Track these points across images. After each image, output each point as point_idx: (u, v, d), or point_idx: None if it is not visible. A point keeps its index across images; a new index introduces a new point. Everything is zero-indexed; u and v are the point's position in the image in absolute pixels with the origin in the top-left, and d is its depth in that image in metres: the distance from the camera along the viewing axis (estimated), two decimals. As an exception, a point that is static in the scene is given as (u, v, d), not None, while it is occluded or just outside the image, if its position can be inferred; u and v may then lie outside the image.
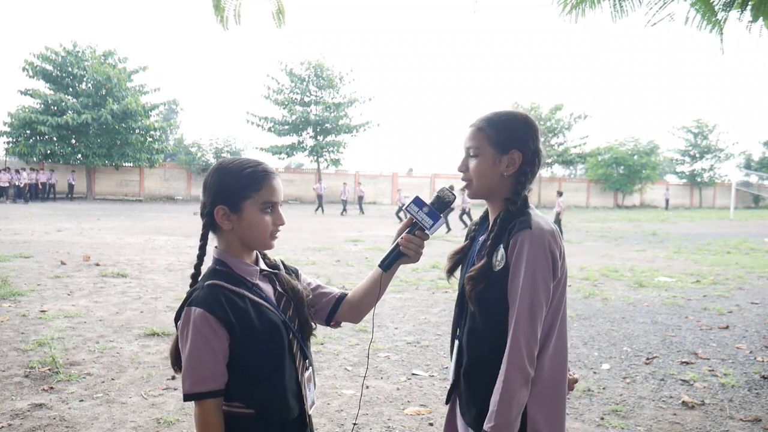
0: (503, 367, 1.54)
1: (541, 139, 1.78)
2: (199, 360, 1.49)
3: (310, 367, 1.71)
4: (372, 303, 1.80)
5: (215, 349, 1.50)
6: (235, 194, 1.58)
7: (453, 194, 1.74)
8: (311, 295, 1.76)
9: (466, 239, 1.90)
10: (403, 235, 1.71)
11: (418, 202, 1.71)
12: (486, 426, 1.55)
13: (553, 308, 1.61)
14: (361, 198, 30.67)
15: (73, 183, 34.32)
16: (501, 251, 1.61)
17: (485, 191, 1.74)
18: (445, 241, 14.98)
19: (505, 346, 1.57)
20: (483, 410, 1.59)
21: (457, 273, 1.89)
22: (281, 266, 1.76)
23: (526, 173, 1.70)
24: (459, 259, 1.84)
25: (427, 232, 1.70)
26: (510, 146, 1.69)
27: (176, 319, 1.58)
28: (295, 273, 1.79)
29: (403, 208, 1.73)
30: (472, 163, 1.73)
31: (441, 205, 1.72)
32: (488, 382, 1.58)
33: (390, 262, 1.73)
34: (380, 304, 7.33)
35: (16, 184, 30.90)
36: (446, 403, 1.85)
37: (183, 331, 1.52)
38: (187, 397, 1.51)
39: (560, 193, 17.59)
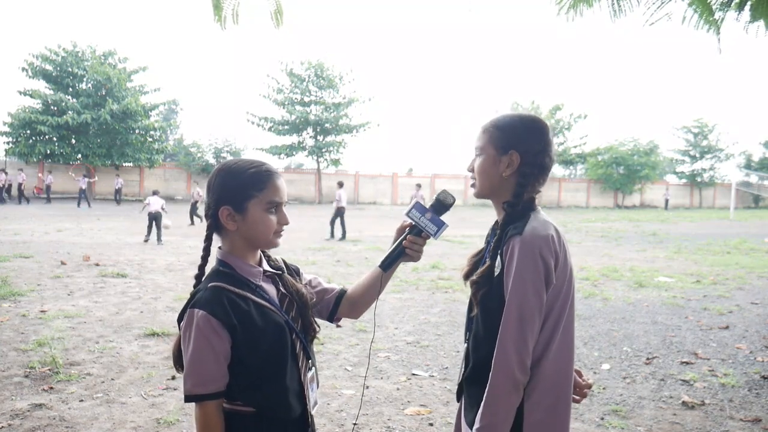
0: (491, 372, 1.55)
1: (555, 141, 1.77)
2: (201, 362, 1.50)
3: (313, 368, 1.72)
4: (371, 301, 1.84)
5: (217, 351, 1.51)
6: (239, 194, 1.58)
7: (453, 197, 1.75)
8: (315, 297, 1.78)
9: (485, 242, 1.90)
10: (408, 237, 1.74)
11: (419, 207, 1.73)
12: (473, 428, 1.58)
13: (554, 315, 1.58)
14: (194, 205, 19.95)
15: (50, 183, 31.04)
16: (498, 257, 1.61)
17: (487, 191, 1.75)
18: (446, 241, 14.98)
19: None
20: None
21: None
22: (284, 267, 1.76)
23: (526, 175, 1.67)
24: (477, 261, 1.82)
25: (433, 238, 1.73)
26: (509, 147, 1.68)
27: (179, 320, 1.58)
28: (296, 272, 1.81)
29: (405, 213, 1.73)
30: (477, 162, 1.75)
31: (441, 208, 1.74)
32: (485, 386, 1.58)
33: (391, 262, 1.77)
34: (380, 304, 7.35)
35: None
36: (458, 401, 1.86)
37: (186, 333, 1.53)
38: (188, 398, 1.52)
39: (340, 184, 16.92)
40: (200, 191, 20.31)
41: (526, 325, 1.53)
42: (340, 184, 16.81)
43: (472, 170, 1.79)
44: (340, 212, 15.99)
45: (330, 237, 15.77)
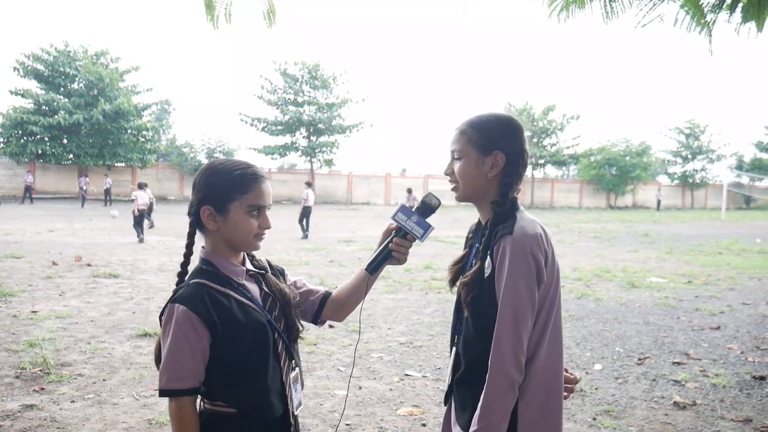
0: (488, 372, 1.55)
1: (529, 140, 1.77)
2: (179, 357, 1.51)
3: (297, 368, 1.72)
4: (356, 304, 1.84)
5: (195, 347, 1.51)
6: (222, 195, 1.58)
7: (438, 199, 1.75)
8: (298, 296, 1.78)
9: (465, 247, 1.89)
10: (394, 239, 1.74)
11: (405, 210, 1.73)
12: (470, 429, 1.57)
13: (544, 313, 1.59)
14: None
15: (31, 184, 29.88)
16: (488, 257, 1.61)
17: (472, 194, 1.74)
18: (439, 242, 14.99)
19: None
20: (473, 415, 1.60)
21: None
22: (268, 267, 1.76)
23: (511, 174, 1.68)
24: (459, 268, 1.82)
25: (419, 241, 1.73)
26: (492, 147, 1.68)
27: (161, 316, 1.59)
28: (281, 273, 1.80)
29: (392, 216, 1.73)
30: (457, 165, 1.73)
31: (427, 211, 1.74)
32: (479, 388, 1.58)
33: (377, 265, 1.76)
34: (373, 304, 7.36)
35: None
36: (444, 404, 1.86)
37: (165, 328, 1.53)
38: (163, 393, 1.52)
39: (308, 184, 16.96)
40: (152, 196, 19.39)
41: (521, 324, 1.54)
42: (308, 184, 17.07)
43: (450, 173, 1.76)
44: (306, 212, 16.23)
45: (303, 236, 15.95)
